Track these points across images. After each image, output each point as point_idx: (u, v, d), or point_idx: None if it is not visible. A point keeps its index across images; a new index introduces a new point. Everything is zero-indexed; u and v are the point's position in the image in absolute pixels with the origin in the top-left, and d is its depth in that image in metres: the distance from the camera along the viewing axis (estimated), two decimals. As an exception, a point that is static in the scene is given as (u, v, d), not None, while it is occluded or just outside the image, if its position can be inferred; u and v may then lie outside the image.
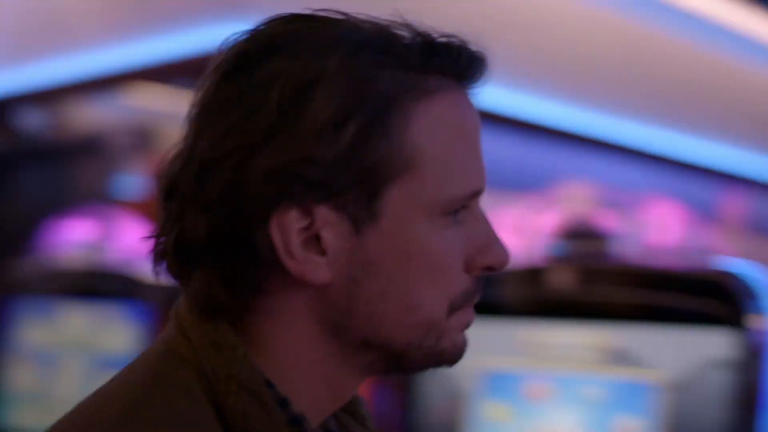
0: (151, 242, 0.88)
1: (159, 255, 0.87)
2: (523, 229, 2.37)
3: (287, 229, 0.82)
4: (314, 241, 0.84)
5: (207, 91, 0.86)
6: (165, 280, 0.89)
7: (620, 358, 2.00)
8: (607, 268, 2.19)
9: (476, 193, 0.89)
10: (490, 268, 0.90)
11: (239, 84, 0.84)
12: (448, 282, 0.88)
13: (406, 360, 0.89)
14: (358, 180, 0.83)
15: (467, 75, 0.89)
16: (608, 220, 2.31)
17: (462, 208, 0.88)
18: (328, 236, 0.84)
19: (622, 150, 5.45)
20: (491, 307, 2.16)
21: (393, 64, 0.84)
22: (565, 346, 2.11)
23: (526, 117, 4.81)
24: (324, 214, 0.83)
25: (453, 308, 0.88)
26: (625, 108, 5.12)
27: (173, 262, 0.87)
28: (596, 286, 2.16)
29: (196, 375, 0.84)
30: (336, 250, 0.84)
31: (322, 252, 0.84)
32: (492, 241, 0.90)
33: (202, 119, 0.85)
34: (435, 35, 0.87)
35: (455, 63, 0.87)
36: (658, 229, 2.27)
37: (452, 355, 0.91)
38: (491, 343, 2.16)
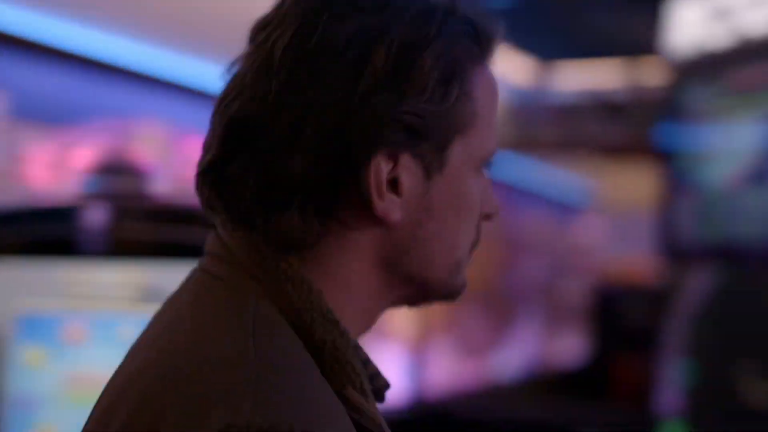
0: (211, 181, 0.95)
1: (228, 194, 0.93)
2: (57, 165, 2.29)
3: (380, 171, 0.92)
4: (393, 183, 0.94)
5: (292, 37, 0.92)
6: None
7: (154, 295, 1.99)
8: (141, 204, 2.17)
9: (495, 152, 1.02)
10: (488, 216, 1.04)
11: (331, 35, 0.91)
12: (474, 227, 1.02)
13: (433, 293, 1.02)
14: (444, 132, 0.95)
15: (492, 48, 1.01)
16: (142, 156, 2.29)
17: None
18: (406, 180, 0.94)
19: (172, 86, 5.34)
20: (23, 246, 2.07)
21: (467, 33, 0.97)
22: (100, 285, 2.07)
23: (59, 46, 4.57)
24: (406, 160, 0.94)
25: (471, 250, 1.03)
26: (135, 32, 4.90)
27: (248, 202, 0.92)
28: (130, 223, 2.13)
29: (278, 312, 0.91)
30: (410, 193, 0.95)
31: (399, 194, 0.94)
32: (492, 192, 1.04)
33: (290, 67, 0.91)
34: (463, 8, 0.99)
35: (486, 36, 1.00)
36: (190, 165, 2.27)
37: (461, 290, 1.04)
38: (25, 284, 2.07)
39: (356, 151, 0.91)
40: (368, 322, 1.00)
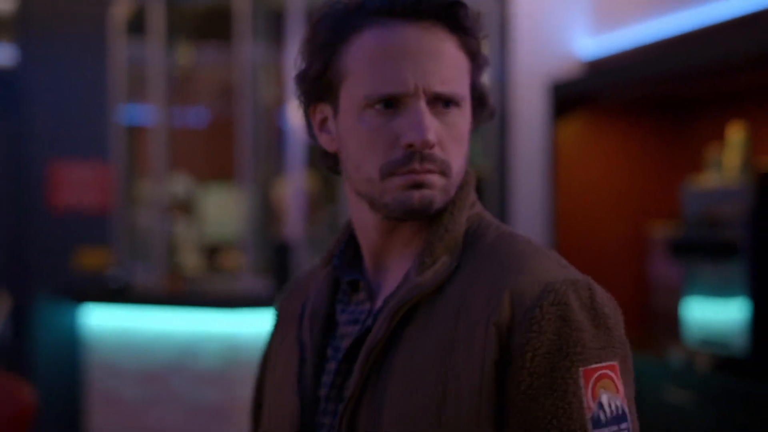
0: None
1: None
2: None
3: (315, 115, 1.41)
4: (325, 125, 1.40)
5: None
6: None
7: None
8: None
9: (387, 95, 1.30)
10: (410, 145, 1.29)
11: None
12: (377, 154, 1.31)
13: (376, 207, 1.35)
14: (328, 87, 1.36)
15: (396, 13, 1.31)
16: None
17: (381, 103, 1.31)
18: (327, 121, 1.39)
19: None
20: None
21: (342, 13, 1.34)
22: None
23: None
24: (322, 107, 1.39)
25: (383, 173, 1.31)
26: None
27: None
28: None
29: None
30: (331, 129, 1.39)
31: (327, 131, 1.39)
32: (411, 126, 1.29)
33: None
34: None
35: (386, 6, 1.31)
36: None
37: (398, 207, 1.32)
38: None
39: (304, 104, 1.42)
40: (367, 235, 1.40)
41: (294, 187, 5.91)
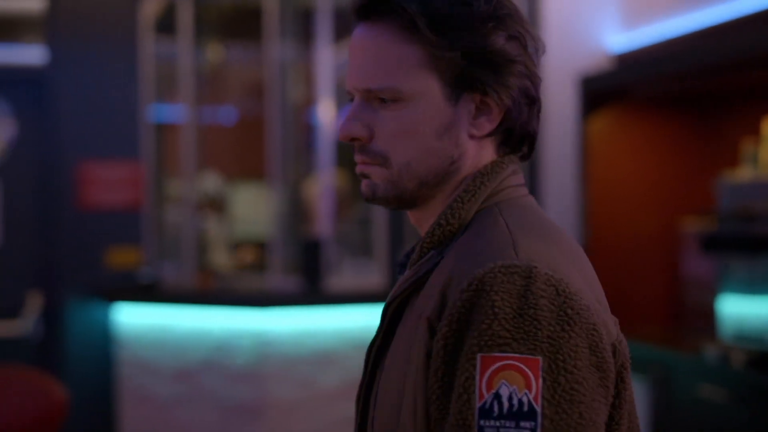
0: None
1: None
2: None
3: None
4: None
5: None
6: None
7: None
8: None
9: (347, 93, 1.38)
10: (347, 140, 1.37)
11: None
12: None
13: None
14: None
15: (357, 14, 1.34)
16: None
17: (349, 100, 1.38)
18: None
19: None
20: None
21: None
22: None
23: None
24: None
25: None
26: None
27: None
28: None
29: None
30: None
31: None
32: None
33: None
34: None
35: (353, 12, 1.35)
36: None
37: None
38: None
39: None
40: None
41: (323, 185, 5.90)
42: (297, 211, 6.30)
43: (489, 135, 1.34)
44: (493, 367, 1.11)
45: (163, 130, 6.63)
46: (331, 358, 5.46)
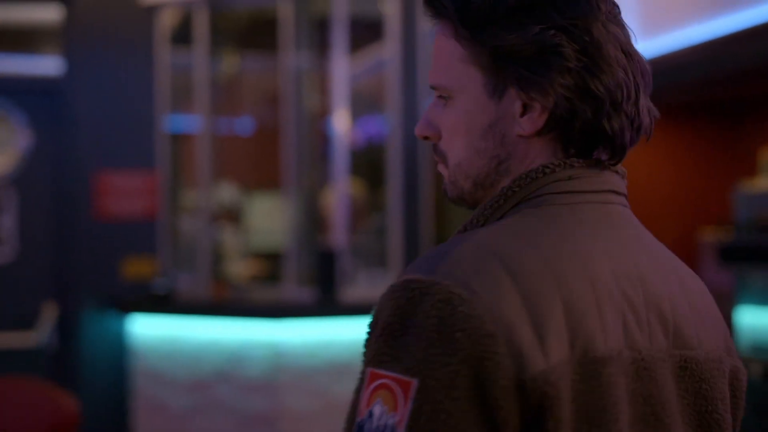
0: None
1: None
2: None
3: None
4: None
5: None
6: None
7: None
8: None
9: None
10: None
11: None
12: None
13: None
14: None
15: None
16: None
17: None
18: None
19: None
20: None
21: None
22: None
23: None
24: None
25: None
26: None
27: None
28: None
29: None
30: None
31: None
32: None
33: None
34: None
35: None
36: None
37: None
38: None
39: None
40: None
41: (339, 195, 5.88)
42: (312, 221, 6.29)
43: (539, 134, 1.24)
44: (375, 384, 1.08)
45: (179, 141, 6.63)
46: (346, 369, 5.43)
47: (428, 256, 1.15)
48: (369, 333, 1.13)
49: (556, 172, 1.22)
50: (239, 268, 6.79)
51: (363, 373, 1.11)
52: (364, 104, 6.74)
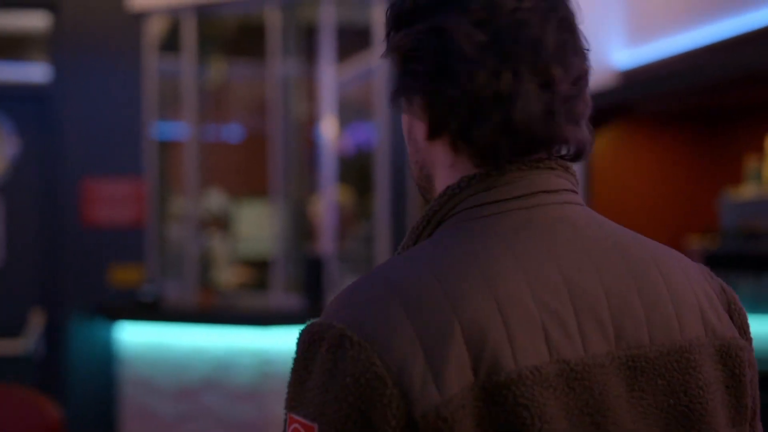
0: None
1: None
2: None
3: None
4: None
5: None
6: None
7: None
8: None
9: None
10: None
11: None
12: None
13: None
14: None
15: None
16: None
17: None
18: None
19: None
20: None
21: None
22: None
23: None
24: None
25: None
26: None
27: None
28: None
29: None
30: None
31: None
32: None
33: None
34: None
35: None
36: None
37: None
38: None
39: None
40: None
41: (327, 202, 5.88)
42: (300, 229, 6.28)
43: (432, 138, 1.20)
44: (291, 427, 1.09)
45: (167, 148, 6.63)
46: (333, 377, 5.42)
47: (338, 295, 1.14)
48: (290, 376, 1.13)
49: (472, 185, 1.18)
50: (227, 276, 6.78)
51: (285, 415, 1.12)
52: (353, 112, 6.75)
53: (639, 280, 1.19)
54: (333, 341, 1.06)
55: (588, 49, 1.25)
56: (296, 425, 1.07)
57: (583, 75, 1.22)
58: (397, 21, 1.21)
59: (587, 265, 1.16)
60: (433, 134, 1.19)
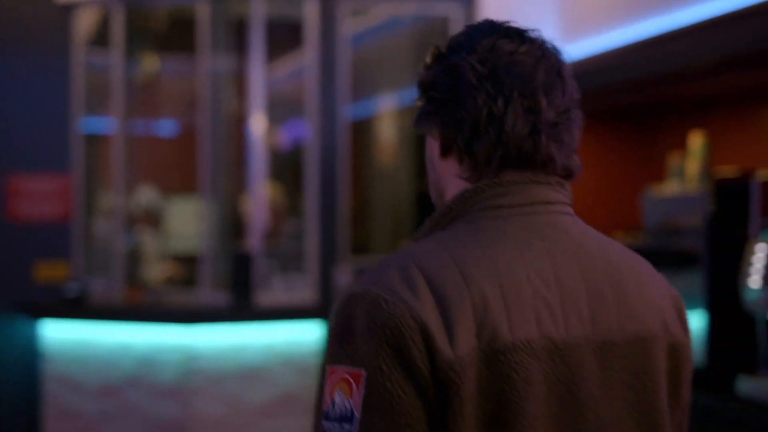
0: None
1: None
2: None
3: None
4: None
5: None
6: None
7: None
8: None
9: None
10: None
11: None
12: None
13: None
14: None
15: None
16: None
17: None
18: None
19: None
20: None
21: None
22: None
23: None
24: None
25: None
26: None
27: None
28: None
29: None
30: None
31: None
32: None
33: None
34: None
35: None
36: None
37: None
38: None
39: None
40: None
41: (257, 199, 5.83)
42: (230, 225, 6.22)
43: (444, 157, 1.50)
44: (333, 378, 1.34)
45: (97, 143, 6.54)
46: (259, 375, 5.37)
47: (371, 269, 1.42)
48: (326, 338, 1.39)
49: (485, 192, 1.46)
50: (156, 272, 6.70)
51: (323, 370, 1.36)
52: (286, 108, 6.70)
53: (614, 281, 1.47)
54: (371, 302, 1.33)
55: (578, 96, 1.54)
56: (342, 374, 1.33)
57: (569, 110, 1.50)
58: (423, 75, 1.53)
59: (574, 265, 1.45)
60: (445, 151, 1.49)
